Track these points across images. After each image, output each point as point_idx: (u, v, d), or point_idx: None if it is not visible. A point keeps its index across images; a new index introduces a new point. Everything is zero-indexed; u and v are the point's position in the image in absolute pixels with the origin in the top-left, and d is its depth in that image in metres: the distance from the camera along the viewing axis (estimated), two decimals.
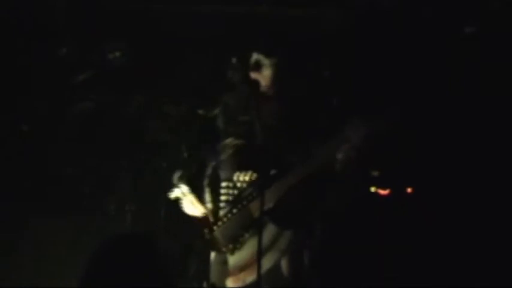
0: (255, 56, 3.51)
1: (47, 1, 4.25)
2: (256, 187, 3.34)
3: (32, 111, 4.29)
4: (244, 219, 3.41)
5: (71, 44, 3.56)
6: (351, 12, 4.27)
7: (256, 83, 3.43)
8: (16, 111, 4.29)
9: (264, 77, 3.50)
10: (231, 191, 3.49)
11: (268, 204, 3.28)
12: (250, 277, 3.34)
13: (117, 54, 3.66)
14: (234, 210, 3.42)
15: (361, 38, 4.24)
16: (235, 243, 3.40)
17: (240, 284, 3.37)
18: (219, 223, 3.43)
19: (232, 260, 3.40)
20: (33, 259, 4.26)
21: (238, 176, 3.48)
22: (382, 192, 3.48)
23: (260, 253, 3.06)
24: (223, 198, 3.49)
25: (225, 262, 3.41)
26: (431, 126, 3.97)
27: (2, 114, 4.27)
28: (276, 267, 3.31)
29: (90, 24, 4.10)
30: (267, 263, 3.27)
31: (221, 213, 3.45)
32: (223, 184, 3.53)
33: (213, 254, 3.46)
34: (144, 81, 3.88)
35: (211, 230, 3.41)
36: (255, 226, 3.37)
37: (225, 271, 3.40)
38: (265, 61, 3.49)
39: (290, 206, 3.39)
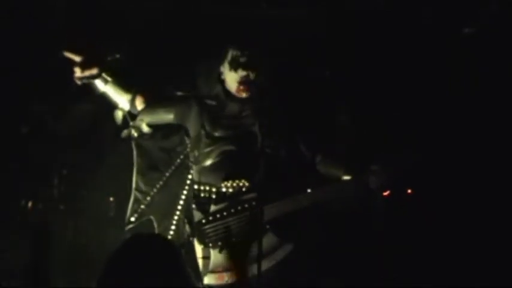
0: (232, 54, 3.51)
1: (47, 1, 4.25)
2: (263, 194, 3.28)
3: (32, 112, 4.29)
4: (244, 223, 3.38)
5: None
6: (346, 13, 4.28)
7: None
8: (16, 112, 4.29)
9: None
10: (212, 195, 3.44)
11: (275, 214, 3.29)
12: (234, 279, 3.32)
13: (117, 55, 3.67)
14: (232, 210, 3.38)
15: (358, 40, 4.25)
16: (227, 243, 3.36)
17: (221, 282, 3.33)
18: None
19: (218, 258, 3.35)
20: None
21: (226, 184, 3.42)
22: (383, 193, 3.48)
23: (261, 257, 3.05)
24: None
25: (207, 257, 3.36)
26: (431, 127, 3.98)
27: (2, 114, 4.27)
28: (265, 273, 3.20)
29: (90, 24, 4.10)
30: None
31: (214, 207, 3.39)
32: (199, 187, 3.47)
33: (198, 247, 3.39)
34: (144, 82, 3.87)
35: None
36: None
37: (206, 265, 3.35)
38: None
39: (293, 220, 3.38)
